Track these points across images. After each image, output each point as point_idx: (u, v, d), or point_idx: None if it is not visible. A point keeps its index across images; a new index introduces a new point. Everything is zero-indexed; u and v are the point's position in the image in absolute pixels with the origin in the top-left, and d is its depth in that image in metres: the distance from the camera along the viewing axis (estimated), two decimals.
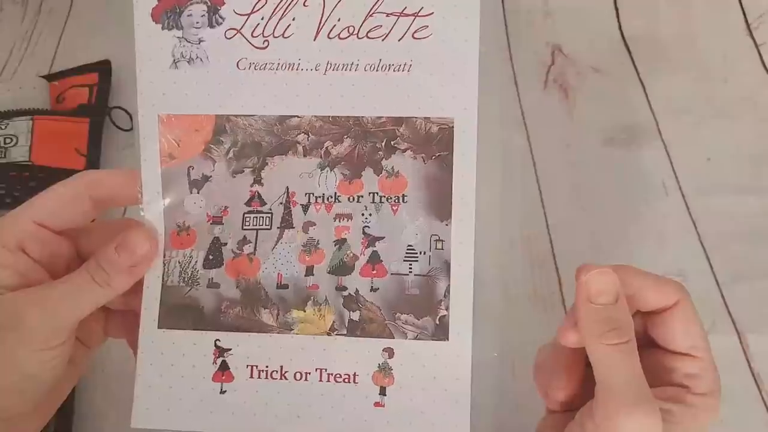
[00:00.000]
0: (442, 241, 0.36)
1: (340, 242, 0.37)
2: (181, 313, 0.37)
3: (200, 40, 0.38)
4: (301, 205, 0.38)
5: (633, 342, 0.33)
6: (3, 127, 0.59)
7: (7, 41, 0.68)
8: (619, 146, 0.61)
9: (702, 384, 0.34)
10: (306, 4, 0.37)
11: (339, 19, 0.37)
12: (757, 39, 0.65)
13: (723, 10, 0.67)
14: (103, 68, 0.63)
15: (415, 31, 0.37)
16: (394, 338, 0.36)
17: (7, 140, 0.58)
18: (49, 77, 0.64)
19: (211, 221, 0.38)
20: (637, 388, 0.32)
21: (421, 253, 0.37)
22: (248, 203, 0.38)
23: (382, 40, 0.37)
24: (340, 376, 0.37)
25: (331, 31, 0.37)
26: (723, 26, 0.66)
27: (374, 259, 0.37)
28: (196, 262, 0.38)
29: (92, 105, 0.62)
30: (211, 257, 0.38)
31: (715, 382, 0.35)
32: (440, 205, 0.37)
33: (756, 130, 0.61)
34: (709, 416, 0.34)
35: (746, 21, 0.66)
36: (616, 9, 0.68)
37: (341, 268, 0.37)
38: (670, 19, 0.67)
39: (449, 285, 0.36)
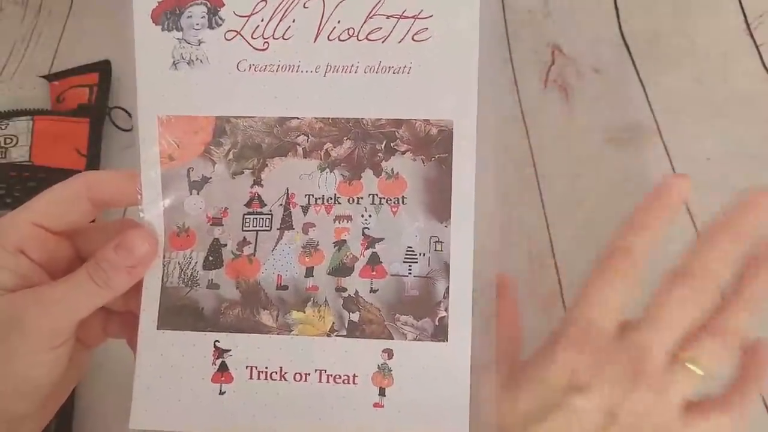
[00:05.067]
0: (442, 242, 0.36)
1: (340, 243, 0.37)
2: (180, 313, 0.37)
3: (200, 42, 0.37)
4: (301, 206, 0.38)
5: None
6: (3, 127, 0.59)
7: (7, 41, 0.68)
8: (619, 146, 0.61)
9: None
10: (306, 5, 0.37)
11: (339, 21, 0.37)
12: (756, 39, 0.65)
13: (722, 10, 0.67)
14: (103, 68, 0.64)
15: (415, 34, 0.36)
16: (393, 339, 0.36)
17: (7, 140, 0.58)
18: (49, 77, 0.64)
19: (210, 222, 0.38)
20: None
21: (420, 254, 0.37)
22: (248, 204, 0.38)
23: (382, 42, 0.37)
24: (340, 377, 0.37)
25: (331, 33, 0.37)
26: (723, 26, 0.66)
27: (374, 260, 0.37)
28: (195, 263, 0.38)
29: (92, 105, 0.62)
30: (210, 258, 0.38)
31: None
32: (440, 207, 0.37)
33: (756, 130, 0.61)
34: None
35: (746, 21, 0.66)
36: (616, 9, 0.68)
37: (341, 270, 0.37)
38: (669, 20, 0.67)
39: (448, 286, 0.36)
